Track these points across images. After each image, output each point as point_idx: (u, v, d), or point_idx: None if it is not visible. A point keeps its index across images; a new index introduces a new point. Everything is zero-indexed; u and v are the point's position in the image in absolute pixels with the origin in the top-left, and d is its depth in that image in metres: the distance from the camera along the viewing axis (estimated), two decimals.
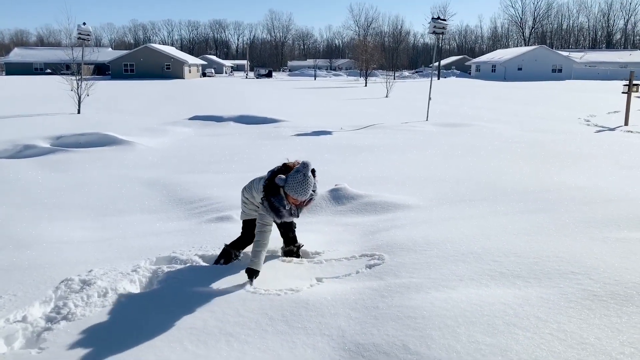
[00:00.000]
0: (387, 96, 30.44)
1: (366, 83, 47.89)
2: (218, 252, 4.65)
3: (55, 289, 3.91)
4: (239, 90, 38.78)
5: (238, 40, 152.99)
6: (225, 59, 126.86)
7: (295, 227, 4.67)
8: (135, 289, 4.04)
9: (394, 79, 46.65)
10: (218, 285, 3.89)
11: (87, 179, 8.45)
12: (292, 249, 4.63)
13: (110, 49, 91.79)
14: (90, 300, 3.72)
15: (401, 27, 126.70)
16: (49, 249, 5.00)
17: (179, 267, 4.34)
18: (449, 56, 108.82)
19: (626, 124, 15.78)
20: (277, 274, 4.14)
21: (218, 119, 16.83)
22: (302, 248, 4.70)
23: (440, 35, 18.29)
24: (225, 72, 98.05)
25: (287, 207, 3.99)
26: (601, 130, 14.67)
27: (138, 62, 67.03)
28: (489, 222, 5.28)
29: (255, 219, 4.16)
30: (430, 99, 18.13)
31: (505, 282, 3.58)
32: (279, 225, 4.51)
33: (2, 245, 5.09)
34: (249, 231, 4.38)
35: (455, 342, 2.85)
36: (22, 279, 4.11)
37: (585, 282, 3.48)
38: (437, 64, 73.06)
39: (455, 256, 4.14)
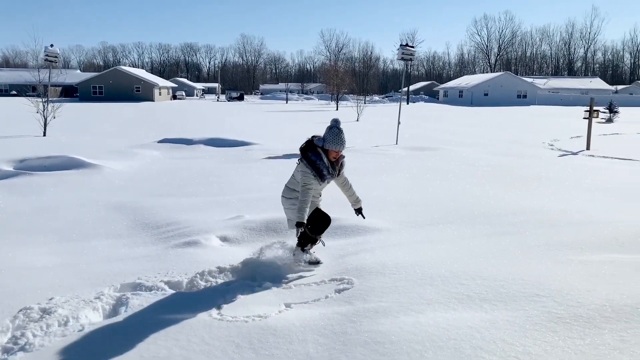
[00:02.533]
0: (357, 120, 30.78)
1: (337, 107, 48.36)
2: (184, 277, 4.58)
3: (13, 318, 3.77)
4: (210, 113, 38.63)
5: (209, 63, 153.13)
6: (197, 81, 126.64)
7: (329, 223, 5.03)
8: (97, 317, 3.92)
9: (365, 103, 47.30)
10: (184, 312, 3.81)
11: (51, 203, 8.23)
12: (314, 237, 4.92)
13: (78, 71, 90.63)
14: (49, 329, 3.59)
15: (371, 53, 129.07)
16: (9, 275, 4.82)
17: (143, 293, 4.25)
18: (417, 81, 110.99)
19: (588, 148, 16.30)
20: (245, 299, 4.08)
21: (188, 142, 16.70)
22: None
23: (409, 62, 18.67)
24: (197, 95, 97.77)
25: (325, 163, 4.63)
26: (564, 155, 15.11)
27: (107, 85, 66.27)
28: (456, 245, 5.34)
29: None
30: (399, 123, 18.40)
31: (472, 306, 3.61)
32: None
33: None
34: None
35: None
36: None
37: (550, 305, 3.53)
38: (406, 89, 74.40)
39: (424, 280, 4.16)
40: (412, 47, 18.16)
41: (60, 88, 60.60)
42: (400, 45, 18.04)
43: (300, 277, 4.66)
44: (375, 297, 3.89)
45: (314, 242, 4.97)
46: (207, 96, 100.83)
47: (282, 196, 4.93)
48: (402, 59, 17.76)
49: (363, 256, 5.08)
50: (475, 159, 13.45)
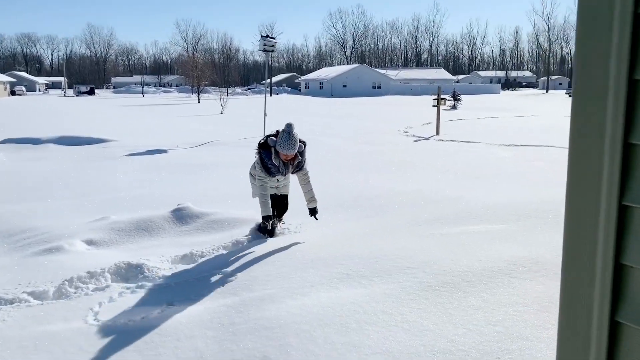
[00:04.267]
0: (222, 112, 30.32)
1: (199, 100, 47.16)
2: (51, 286, 4.21)
3: None
4: (58, 108, 35.48)
5: (52, 55, 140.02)
6: (39, 75, 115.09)
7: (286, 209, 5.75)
8: None
9: (227, 95, 46.74)
10: (55, 322, 3.52)
11: None
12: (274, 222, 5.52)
13: None
14: None
15: (230, 44, 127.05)
16: None
17: (4, 307, 3.83)
18: (279, 73, 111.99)
19: (437, 133, 17.82)
20: (123, 302, 3.88)
21: (35, 142, 15.20)
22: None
23: (271, 53, 18.82)
24: (39, 90, 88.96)
25: (275, 163, 5.00)
26: (418, 140, 16.37)
27: None
28: (332, 229, 5.58)
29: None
30: (265, 114, 18.50)
31: (353, 283, 3.81)
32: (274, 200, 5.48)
33: None
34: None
35: (313, 345, 2.95)
36: None
37: (420, 275, 3.85)
38: (268, 80, 74.86)
39: (305, 263, 4.29)
40: (274, 38, 18.32)
41: None
42: (262, 36, 18.09)
43: (180, 273, 4.54)
44: (260, 285, 3.93)
45: (266, 231, 5.40)
46: (52, 91, 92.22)
47: (249, 172, 5.60)
48: (264, 50, 17.83)
49: (245, 247, 5.09)
50: (339, 148, 14.03)
